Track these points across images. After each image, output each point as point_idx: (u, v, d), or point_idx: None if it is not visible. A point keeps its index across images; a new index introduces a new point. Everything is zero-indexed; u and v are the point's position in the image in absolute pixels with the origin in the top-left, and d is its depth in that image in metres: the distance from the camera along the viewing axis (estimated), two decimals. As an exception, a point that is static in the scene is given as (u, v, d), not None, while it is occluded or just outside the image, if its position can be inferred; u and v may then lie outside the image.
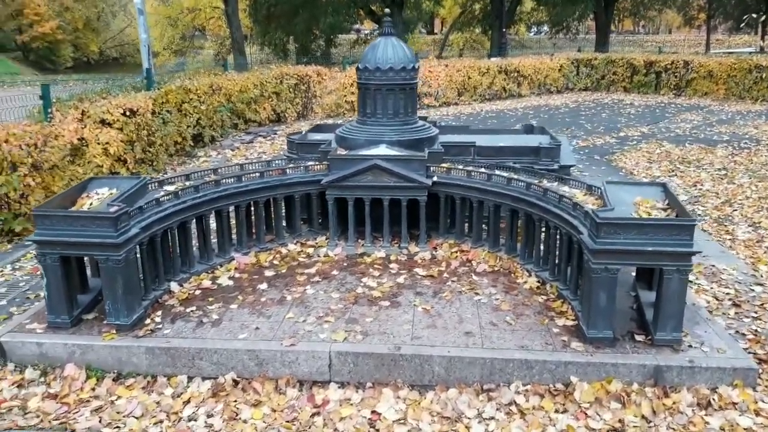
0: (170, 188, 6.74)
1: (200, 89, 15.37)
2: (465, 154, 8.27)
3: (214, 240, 7.27)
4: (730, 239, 8.58)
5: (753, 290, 6.88)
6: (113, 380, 5.46)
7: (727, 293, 6.76)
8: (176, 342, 5.46)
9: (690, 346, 5.28)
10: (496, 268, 6.98)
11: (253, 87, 18.09)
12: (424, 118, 10.05)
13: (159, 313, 5.99)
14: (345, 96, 21.12)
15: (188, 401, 5.20)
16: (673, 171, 12.37)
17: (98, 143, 10.96)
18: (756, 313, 6.33)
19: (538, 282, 6.52)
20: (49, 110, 10.61)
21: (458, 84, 23.70)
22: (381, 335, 5.52)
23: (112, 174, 11.24)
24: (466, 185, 7.30)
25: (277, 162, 7.83)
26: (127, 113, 11.76)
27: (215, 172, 7.32)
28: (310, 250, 7.58)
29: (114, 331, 5.63)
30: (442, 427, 4.80)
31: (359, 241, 7.61)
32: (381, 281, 6.66)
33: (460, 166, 7.58)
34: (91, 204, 5.95)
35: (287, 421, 4.91)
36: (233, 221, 7.43)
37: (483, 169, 7.41)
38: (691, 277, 7.11)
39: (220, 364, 5.41)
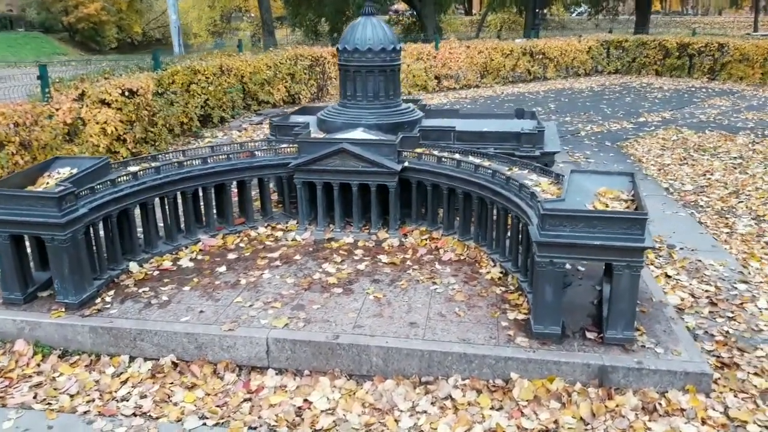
0: (133, 169, 6.72)
1: (208, 70, 15.38)
2: (445, 139, 8.00)
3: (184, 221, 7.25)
4: (727, 233, 8.12)
5: (736, 288, 6.48)
6: (59, 357, 5.51)
7: (707, 290, 6.38)
8: (119, 322, 5.46)
9: (643, 346, 4.99)
10: (462, 257, 6.77)
11: (266, 68, 18.02)
12: (416, 101, 9.84)
13: (112, 292, 6.00)
14: (362, 78, 20.85)
15: (126, 381, 5.21)
16: (684, 159, 11.80)
17: (96, 123, 11.10)
18: (732, 312, 5.96)
19: (501, 273, 6.29)
20: (47, 90, 10.75)
21: (480, 66, 23.16)
22: (323, 323, 5.40)
23: (110, 153, 11.40)
24: (436, 171, 7.06)
25: (250, 145, 7.74)
26: (126, 93, 11.83)
27: (183, 154, 7.28)
28: (279, 234, 7.49)
29: (63, 309, 5.67)
30: (370, 418, 4.67)
31: (330, 226, 7.48)
32: (341, 267, 6.52)
33: (435, 152, 7.35)
34: (47, 183, 5.98)
35: (217, 406, 4.86)
36: (202, 203, 7.39)
37: (453, 155, 7.17)
38: (671, 272, 6.77)
39: (160, 345, 5.38)
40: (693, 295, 6.26)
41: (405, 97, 16.68)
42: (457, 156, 7.08)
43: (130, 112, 11.90)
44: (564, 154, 11.96)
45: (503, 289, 6.00)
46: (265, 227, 7.64)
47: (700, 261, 7.10)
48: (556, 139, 8.22)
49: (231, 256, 6.89)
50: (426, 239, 7.24)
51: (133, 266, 6.48)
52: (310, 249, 7.06)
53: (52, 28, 49.35)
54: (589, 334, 5.15)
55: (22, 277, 5.79)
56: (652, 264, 6.99)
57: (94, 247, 6.09)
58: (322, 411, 4.75)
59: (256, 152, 7.49)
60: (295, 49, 19.74)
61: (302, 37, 48.67)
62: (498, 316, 5.48)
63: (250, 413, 4.74)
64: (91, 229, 5.99)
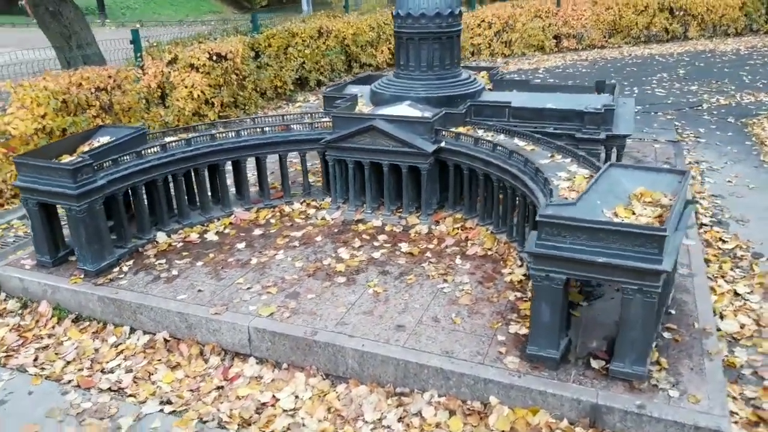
0: (170, 139, 6.83)
1: (306, 33, 15.36)
2: (499, 116, 7.25)
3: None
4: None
5: (825, 318, 5.24)
6: (73, 321, 5.81)
7: (781, 318, 5.22)
8: (123, 294, 5.62)
9: (656, 385, 4.17)
10: (489, 253, 6.13)
11: (369, 29, 17.69)
12: (491, 68, 9.05)
13: (131, 262, 6.20)
14: (471, 38, 19.83)
15: (121, 353, 5.37)
16: (824, 144, 9.81)
17: (185, 87, 11.54)
18: (807, 350, 4.82)
19: (524, 275, 5.59)
20: (139, 54, 11.31)
21: (607, 24, 20.98)
22: (309, 315, 5.15)
23: (198, 116, 11.85)
24: (472, 155, 6.40)
25: (290, 117, 7.55)
26: (214, 58, 12.14)
27: (221, 126, 7.27)
28: (312, 211, 7.30)
29: (82, 276, 5.95)
30: (329, 426, 4.39)
31: (362, 206, 7.13)
32: (356, 254, 6.20)
33: (477, 131, 6.67)
34: (84, 151, 6.23)
35: (189, 390, 4.85)
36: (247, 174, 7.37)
37: (495, 136, 6.44)
38: (741, 289, 5.64)
39: (156, 321, 5.47)
40: (759, 323, 5.15)
41: (485, 64, 15.54)
42: (492, 137, 6.36)
43: (218, 76, 12.22)
44: (670, 131, 10.47)
45: (519, 295, 5.33)
46: (301, 203, 7.48)
47: (788, 279, 5.84)
48: (631, 120, 7.10)
49: (256, 231, 6.83)
50: (458, 228, 6.66)
51: (160, 236, 6.64)
52: (335, 230, 6.79)
53: None
54: (594, 363, 4.41)
55: (52, 241, 6.14)
56: (722, 277, 5.86)
57: (120, 217, 6.28)
58: (283, 411, 4.55)
59: (293, 126, 7.27)
60: (401, 9, 19.09)
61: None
62: (497, 328, 4.88)
63: (212, 403, 4.66)
64: (116, 199, 6.17)
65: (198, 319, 5.26)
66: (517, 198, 5.95)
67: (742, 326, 5.10)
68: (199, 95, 11.67)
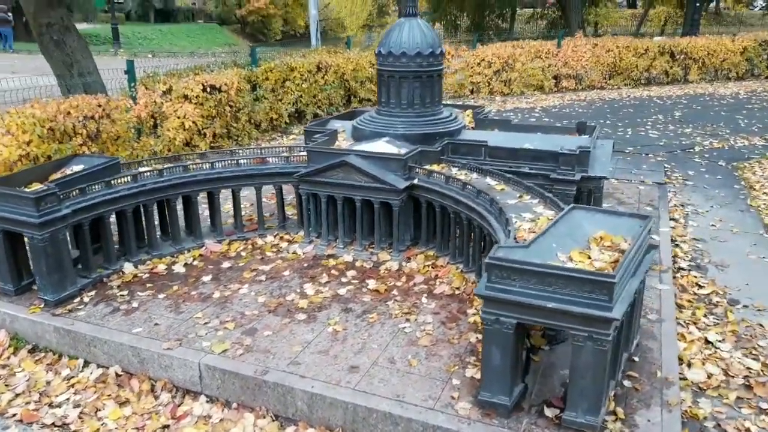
0: (143, 169, 6.82)
1: (304, 67, 15.54)
2: (475, 154, 7.20)
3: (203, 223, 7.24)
4: (827, 292, 6.43)
5: (799, 370, 5.05)
6: (29, 351, 5.71)
7: (749, 368, 5.03)
8: (78, 326, 5.52)
9: (609, 437, 4.00)
10: (457, 292, 6.00)
11: (368, 66, 17.89)
12: (475, 108, 9.06)
13: (93, 293, 6.12)
14: (471, 76, 20.01)
15: (73, 386, 5.25)
16: (814, 190, 9.68)
17: (177, 117, 11.63)
18: (773, 404, 4.63)
19: (489, 317, 5.44)
20: (133, 85, 11.45)
21: (607, 66, 21.13)
22: (263, 353, 5.02)
23: (189, 147, 11.91)
24: (444, 192, 6.34)
25: (267, 150, 7.54)
26: (208, 89, 12.27)
27: (203, 156, 7.27)
28: (285, 245, 7.22)
29: (42, 306, 5.86)
30: (272, 471, 4.23)
31: (335, 241, 7.05)
32: (321, 290, 6.09)
33: (450, 170, 6.62)
34: (51, 180, 6.22)
35: (135, 428, 4.71)
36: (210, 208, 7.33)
37: (462, 174, 6.39)
38: (713, 337, 5.47)
39: (110, 354, 5.36)
40: (727, 372, 4.97)
41: (467, 102, 15.64)
42: (464, 176, 6.31)
43: (211, 107, 12.33)
44: (659, 173, 10.38)
45: (481, 336, 5.17)
46: (274, 236, 7.41)
47: (762, 326, 5.66)
48: (607, 162, 7.03)
49: (225, 264, 6.75)
50: (429, 266, 6.55)
51: (126, 267, 6.57)
52: (305, 265, 6.70)
53: (226, 20, 53.88)
54: (548, 411, 4.24)
55: (16, 269, 6.08)
56: (694, 324, 5.69)
57: (85, 246, 6.23)
58: (226, 453, 4.40)
59: (269, 159, 7.26)
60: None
61: (443, 32, 48.27)
62: (454, 372, 4.72)
63: (154, 443, 4.51)
64: (82, 229, 6.13)
65: (150, 353, 5.15)
66: (485, 237, 5.85)
67: (710, 376, 4.92)
68: (190, 126, 11.75)
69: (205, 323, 5.51)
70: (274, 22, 54.90)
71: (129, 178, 6.49)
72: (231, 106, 12.99)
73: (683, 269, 6.85)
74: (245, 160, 7.17)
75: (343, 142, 7.74)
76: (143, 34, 44.84)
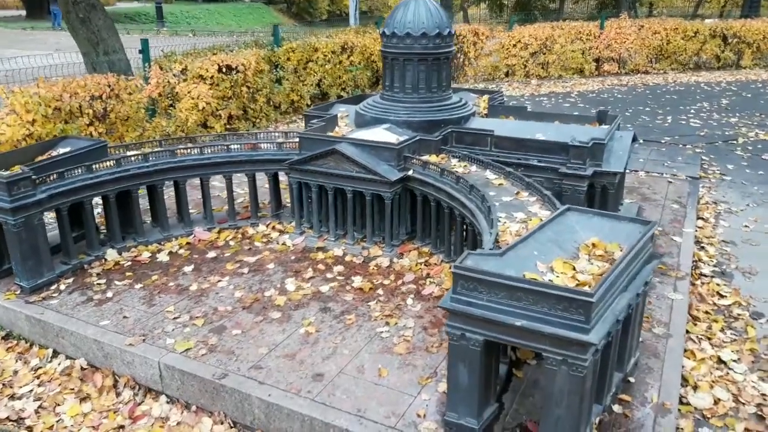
0: (130, 153, 6.59)
1: (327, 47, 15.12)
2: (480, 144, 6.70)
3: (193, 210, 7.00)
4: None
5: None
6: (3, 338, 5.58)
7: (765, 394, 4.44)
8: (48, 315, 5.34)
9: (585, 473, 3.53)
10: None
11: (397, 46, 17.30)
12: (493, 92, 8.50)
13: (71, 280, 5.94)
14: (506, 59, 19.21)
15: (39, 377, 5.08)
16: None
17: (192, 98, 11.43)
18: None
19: (475, 324, 5.00)
20: (146, 64, 11.28)
21: (653, 49, 19.96)
22: (226, 355, 4.72)
23: (204, 128, 11.71)
24: (438, 186, 5.87)
25: (261, 136, 7.21)
26: (224, 70, 12.00)
27: (191, 141, 7.00)
28: (276, 235, 6.90)
29: (18, 292, 5.72)
30: (219, 485, 3.94)
31: (327, 233, 6.68)
32: (303, 286, 5.74)
33: (448, 160, 6.15)
34: (39, 161, 6.04)
35: (89, 426, 4.49)
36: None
37: (461, 167, 5.91)
38: (728, 356, 4.87)
39: (76, 346, 5.16)
40: (738, 398, 4.39)
41: (488, 86, 14.85)
42: (463, 168, 5.83)
43: (227, 88, 12.08)
44: (694, 166, 9.61)
45: (462, 346, 4.74)
46: (267, 225, 7.09)
47: (790, 351, 5.03)
48: (625, 155, 6.40)
49: (210, 254, 6.48)
50: (422, 264, 6.12)
51: (110, 253, 6.37)
52: (292, 258, 6.36)
53: (274, 0, 53.82)
54: (521, 438, 3.80)
55: (-2, 254, 5.96)
56: (708, 339, 5.11)
57: (64, 231, 6.05)
58: (174, 461, 4.13)
59: (262, 145, 6.92)
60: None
61: (488, 12, 46.99)
62: (425, 385, 4.32)
63: (103, 446, 4.28)
64: (60, 213, 5.94)
65: (113, 348, 4.92)
66: (478, 236, 5.38)
67: (717, 401, 4.36)
68: (205, 107, 11.53)
69: (175, 318, 5.24)
70: (320, 2, 54.52)
71: (112, 162, 6.25)
72: (248, 87, 12.71)
73: (705, 275, 6.22)
74: (237, 146, 6.85)
75: (344, 128, 7.34)
76: (191, 13, 45.24)
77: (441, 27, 6.96)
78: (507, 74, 19.37)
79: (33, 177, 5.58)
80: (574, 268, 3.73)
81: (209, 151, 6.73)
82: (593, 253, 3.96)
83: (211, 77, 11.77)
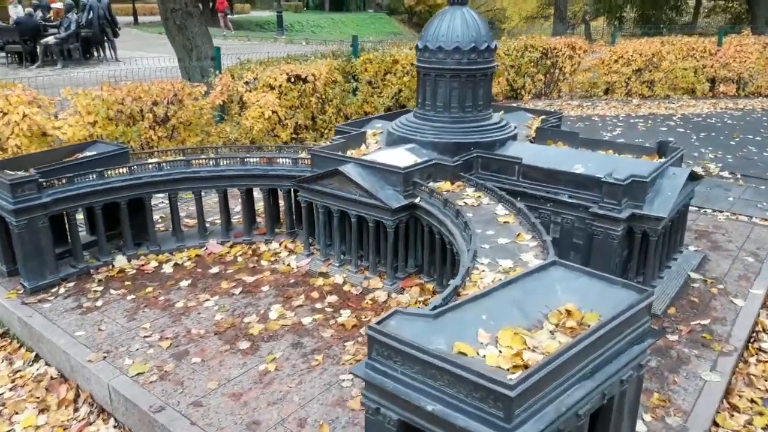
0: (152, 160, 6.60)
1: (407, 59, 14.73)
2: (507, 173, 6.01)
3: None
4: None
5: None
6: (1, 336, 5.71)
7: None
8: (34, 318, 5.38)
9: None
10: (434, 342, 4.94)
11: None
12: (553, 114, 7.74)
13: (73, 284, 5.99)
14: (606, 74, 17.80)
15: (14, 381, 5.11)
16: None
17: (259, 107, 11.52)
18: None
19: (450, 383, 4.36)
20: (216, 72, 11.51)
21: (782, 70, 17.64)
22: (174, 385, 4.45)
23: (270, 136, 11.77)
24: (440, 218, 5.27)
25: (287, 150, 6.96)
26: (293, 79, 11.98)
27: (216, 151, 6.90)
28: (285, 254, 6.60)
29: (21, 291, 5.84)
30: None
31: (333, 258, 6.28)
32: (287, 315, 5.38)
33: (463, 189, 5.53)
34: (64, 163, 6.21)
35: (35, 443, 4.41)
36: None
37: (474, 197, 5.27)
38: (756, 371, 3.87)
39: (51, 354, 5.14)
40: None
41: (582, 104, 13.76)
42: (476, 199, 5.20)
43: (294, 98, 12.05)
44: (753, 206, 8.16)
45: (426, 409, 4.13)
46: (280, 243, 6.81)
47: None
48: (672, 198, 5.43)
49: (214, 269, 6.30)
50: (422, 302, 5.54)
51: (119, 260, 6.39)
52: (290, 281, 6.02)
53: (396, 10, 55.09)
54: None
55: (9, 252, 6.12)
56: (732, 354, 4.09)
57: (73, 236, 6.12)
58: (93, 495, 3.91)
59: (279, 160, 6.66)
60: (525, 39, 17.69)
61: (606, 26, 44.49)
62: (365, 452, 3.77)
63: (32, 467, 4.15)
64: (70, 218, 6.02)
65: (76, 362, 4.82)
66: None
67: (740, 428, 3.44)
68: (271, 116, 11.56)
69: (146, 336, 5.07)
70: (436, 11, 54.64)
71: (125, 169, 6.26)
72: (318, 98, 12.62)
73: (764, 352, 5.10)
74: (254, 159, 6.64)
75: (372, 146, 6.91)
76: (317, 22, 46.92)
77: (477, 41, 6.35)
78: (606, 92, 17.94)
79: (40, 180, 5.67)
80: (525, 343, 3.05)
81: (224, 163, 6.57)
82: (563, 323, 3.24)
83: (280, 86, 11.80)
